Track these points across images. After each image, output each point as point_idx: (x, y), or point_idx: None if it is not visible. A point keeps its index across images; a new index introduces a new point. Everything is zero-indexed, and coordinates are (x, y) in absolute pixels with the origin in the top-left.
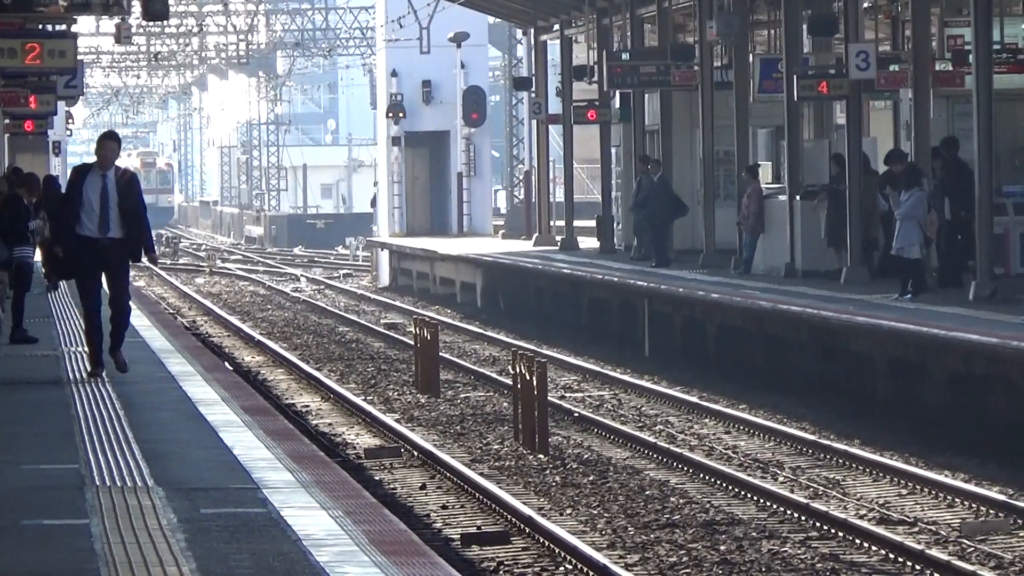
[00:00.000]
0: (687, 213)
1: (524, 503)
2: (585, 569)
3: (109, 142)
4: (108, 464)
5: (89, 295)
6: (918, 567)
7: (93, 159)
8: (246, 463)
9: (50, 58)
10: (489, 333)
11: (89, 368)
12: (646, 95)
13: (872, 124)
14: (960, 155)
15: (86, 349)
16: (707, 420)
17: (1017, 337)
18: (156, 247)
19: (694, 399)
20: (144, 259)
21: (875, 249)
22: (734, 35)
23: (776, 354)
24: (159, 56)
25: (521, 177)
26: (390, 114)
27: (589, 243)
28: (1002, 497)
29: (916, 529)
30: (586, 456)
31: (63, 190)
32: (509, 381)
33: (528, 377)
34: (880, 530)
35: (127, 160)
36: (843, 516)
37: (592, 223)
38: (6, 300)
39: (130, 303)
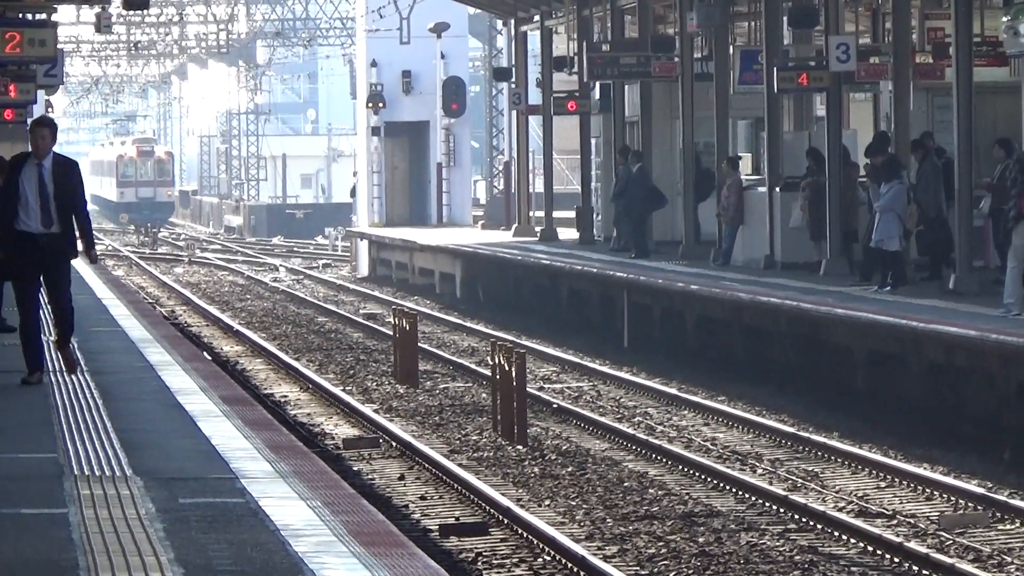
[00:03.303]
0: (665, 204)
1: (502, 494)
2: (563, 560)
3: (40, 129)
4: (86, 453)
5: (27, 300)
6: (897, 560)
7: (73, 147)
8: (224, 453)
9: (30, 47)
10: (468, 324)
11: (27, 374)
12: (626, 86)
13: (852, 116)
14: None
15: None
16: (686, 412)
17: (996, 330)
18: (135, 235)
19: (673, 391)
20: (83, 257)
21: (855, 241)
22: (714, 27)
23: (755, 346)
24: (139, 45)
25: (501, 168)
26: (370, 104)
27: (569, 234)
28: (981, 490)
29: (895, 522)
30: (565, 447)
31: None
32: (488, 372)
33: (507, 368)
34: (859, 523)
35: (122, 148)
36: (822, 508)
37: (572, 214)
38: None
39: (72, 304)
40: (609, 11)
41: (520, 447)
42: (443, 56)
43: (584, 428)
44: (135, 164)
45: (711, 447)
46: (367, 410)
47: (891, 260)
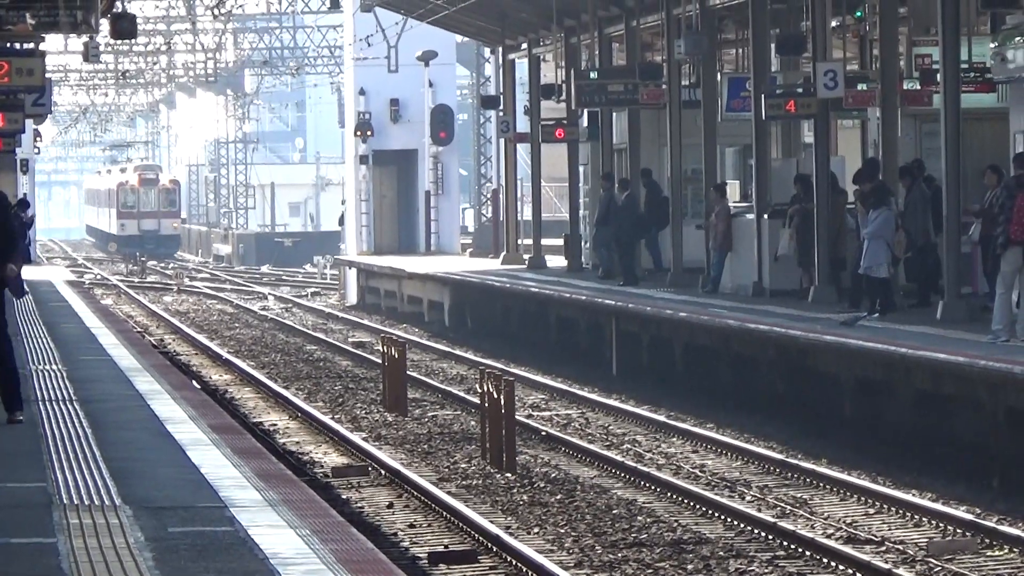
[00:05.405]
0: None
1: (491, 522)
2: None
3: None
4: (75, 483)
5: None
6: None
7: (61, 176)
8: (213, 481)
9: (18, 76)
10: (457, 352)
11: None
12: (614, 114)
13: (840, 143)
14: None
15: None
16: (674, 439)
17: (984, 356)
18: (124, 264)
19: (661, 418)
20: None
21: (843, 269)
22: (702, 54)
23: (743, 373)
24: (127, 74)
25: (489, 196)
26: (358, 132)
27: (557, 261)
28: (969, 516)
29: (883, 548)
30: (553, 475)
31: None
32: (477, 400)
33: (496, 396)
34: (847, 549)
35: (122, 175)
36: (810, 535)
37: (560, 241)
38: None
39: (11, 347)
40: (597, 39)
41: (509, 475)
42: (431, 84)
43: (573, 455)
44: (137, 193)
45: (700, 474)
46: (356, 438)
47: (879, 287)
